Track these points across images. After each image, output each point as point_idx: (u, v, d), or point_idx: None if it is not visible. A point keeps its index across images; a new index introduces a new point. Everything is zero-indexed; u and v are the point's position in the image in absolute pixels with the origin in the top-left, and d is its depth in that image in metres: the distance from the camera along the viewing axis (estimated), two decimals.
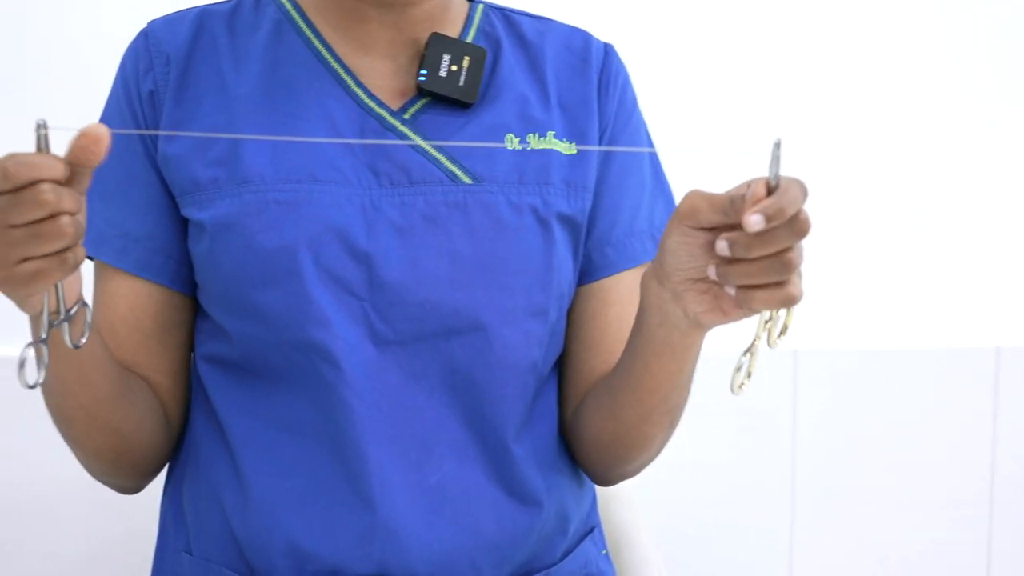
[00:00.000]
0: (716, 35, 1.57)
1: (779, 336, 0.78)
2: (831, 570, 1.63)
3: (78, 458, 0.97)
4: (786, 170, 0.72)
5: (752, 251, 0.72)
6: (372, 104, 0.95)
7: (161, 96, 0.95)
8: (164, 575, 1.00)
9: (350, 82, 0.95)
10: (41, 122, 0.69)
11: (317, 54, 0.96)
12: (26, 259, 0.70)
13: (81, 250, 0.72)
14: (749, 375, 0.78)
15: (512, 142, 0.96)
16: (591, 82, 1.01)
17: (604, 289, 1.02)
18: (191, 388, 1.02)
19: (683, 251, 0.78)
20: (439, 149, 0.95)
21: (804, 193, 0.72)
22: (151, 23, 0.99)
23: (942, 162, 1.62)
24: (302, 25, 0.97)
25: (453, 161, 0.95)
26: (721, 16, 1.57)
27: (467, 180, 0.94)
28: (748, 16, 1.57)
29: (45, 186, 0.68)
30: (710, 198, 0.75)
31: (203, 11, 0.99)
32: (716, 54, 1.57)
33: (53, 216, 0.69)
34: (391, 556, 0.92)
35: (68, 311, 0.75)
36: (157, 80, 0.96)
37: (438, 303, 0.92)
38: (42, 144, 0.69)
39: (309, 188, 0.92)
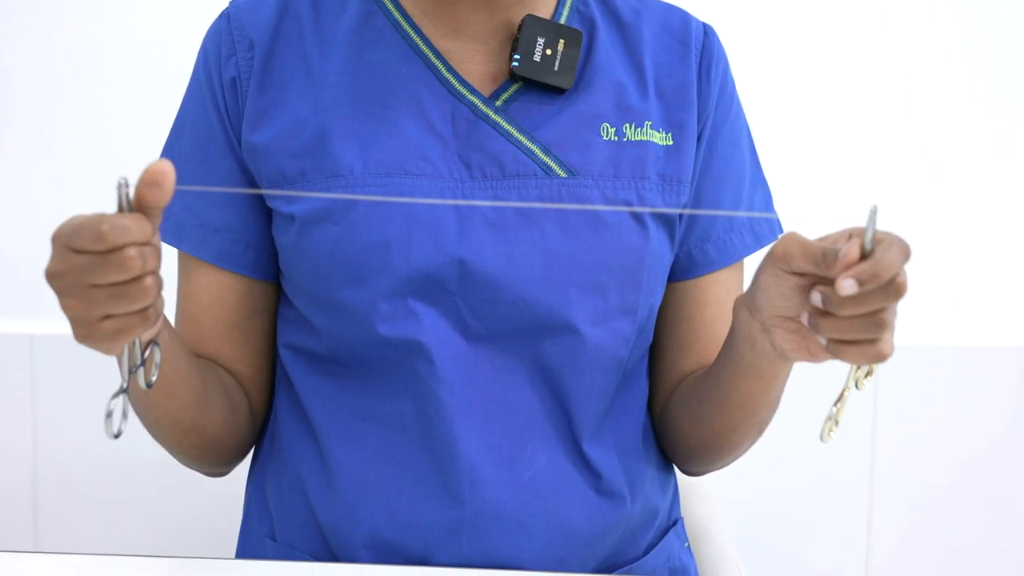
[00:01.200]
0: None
1: (865, 378, 0.78)
2: (908, 568, 1.62)
3: (166, 450, 0.98)
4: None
5: (844, 310, 0.72)
6: (464, 91, 0.92)
7: (244, 84, 0.93)
8: (248, 557, 1.00)
9: (440, 67, 0.93)
10: (123, 181, 0.68)
11: (406, 37, 0.93)
12: (108, 316, 0.69)
13: (161, 302, 0.72)
14: (837, 423, 0.79)
15: (607, 132, 0.94)
16: (690, 67, 0.97)
17: (701, 288, 1.00)
18: (275, 374, 1.02)
19: (775, 291, 0.78)
20: (532, 140, 0.92)
21: (904, 256, 0.72)
22: (233, 3, 0.97)
23: None
24: (390, 7, 0.94)
25: (547, 152, 0.92)
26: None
27: (561, 173, 0.92)
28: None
29: (132, 251, 0.67)
30: (804, 246, 0.74)
31: None
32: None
33: (137, 278, 0.68)
34: (478, 551, 0.91)
35: (143, 355, 0.75)
36: (240, 66, 0.94)
37: (531, 302, 0.91)
38: (124, 203, 0.68)
39: (400, 182, 0.90)
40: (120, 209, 0.68)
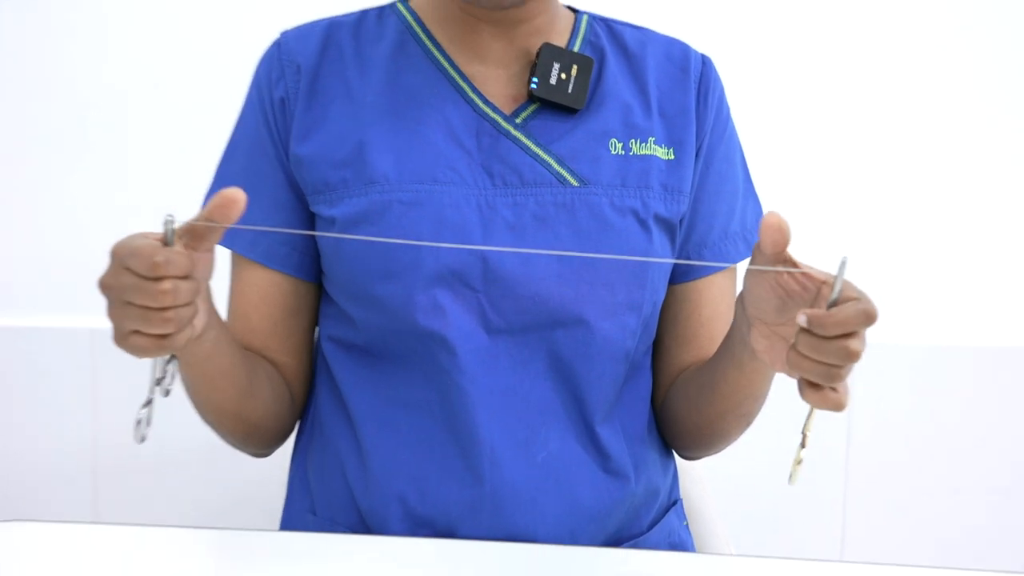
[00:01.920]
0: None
1: (798, 460, 0.80)
2: (879, 540, 1.66)
3: (215, 433, 1.06)
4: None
5: (799, 344, 0.76)
6: (487, 109, 1.00)
7: (292, 103, 1.01)
8: (291, 530, 1.07)
9: (467, 88, 1.01)
10: (170, 218, 0.75)
11: (436, 63, 1.02)
12: (137, 332, 0.77)
13: (181, 337, 0.79)
14: (800, 462, 0.80)
15: (615, 147, 1.02)
16: (690, 92, 1.05)
17: (698, 291, 1.07)
18: (314, 365, 1.09)
19: (755, 289, 0.83)
20: (548, 152, 1.00)
21: (864, 320, 0.73)
22: (284, 34, 1.05)
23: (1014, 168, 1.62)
24: (423, 36, 1.03)
25: (561, 164, 0.99)
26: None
27: (574, 182, 0.99)
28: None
29: (167, 284, 0.75)
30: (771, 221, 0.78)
31: (331, 23, 1.05)
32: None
33: (162, 308, 0.76)
34: (497, 526, 0.98)
35: (164, 369, 0.82)
36: (288, 88, 1.01)
37: (546, 297, 0.97)
38: (169, 238, 0.75)
39: (430, 189, 0.97)
40: (164, 243, 0.75)
